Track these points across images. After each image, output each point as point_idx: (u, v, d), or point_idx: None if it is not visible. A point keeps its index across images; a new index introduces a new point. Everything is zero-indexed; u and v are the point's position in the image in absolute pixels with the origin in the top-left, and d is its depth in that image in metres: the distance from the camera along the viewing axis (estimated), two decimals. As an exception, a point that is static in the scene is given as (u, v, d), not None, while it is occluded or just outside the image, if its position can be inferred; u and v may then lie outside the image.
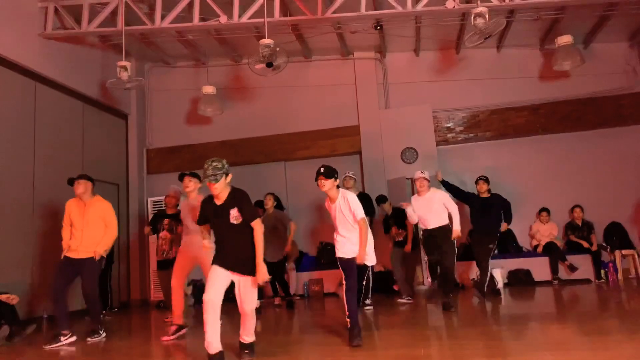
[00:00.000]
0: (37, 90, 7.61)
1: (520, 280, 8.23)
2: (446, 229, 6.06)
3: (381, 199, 7.77)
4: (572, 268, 8.13)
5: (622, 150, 9.06)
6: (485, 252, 6.82)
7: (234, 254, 3.73)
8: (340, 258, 4.28)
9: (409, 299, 7.02)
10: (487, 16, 6.19)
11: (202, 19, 7.44)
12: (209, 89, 8.87)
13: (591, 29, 8.89)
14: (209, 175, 3.64)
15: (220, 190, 3.72)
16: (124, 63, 6.88)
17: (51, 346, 4.85)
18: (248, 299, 3.76)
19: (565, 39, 7.88)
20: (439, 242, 6.08)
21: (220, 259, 3.74)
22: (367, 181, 9.21)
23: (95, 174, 5.82)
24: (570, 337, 4.11)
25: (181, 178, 5.42)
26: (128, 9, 7.38)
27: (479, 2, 6.30)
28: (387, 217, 7.62)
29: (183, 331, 5.14)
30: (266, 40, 6.51)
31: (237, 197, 3.76)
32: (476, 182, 7.10)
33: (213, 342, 3.56)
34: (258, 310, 6.58)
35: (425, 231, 6.28)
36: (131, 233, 9.52)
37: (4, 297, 5.37)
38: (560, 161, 9.20)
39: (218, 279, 3.67)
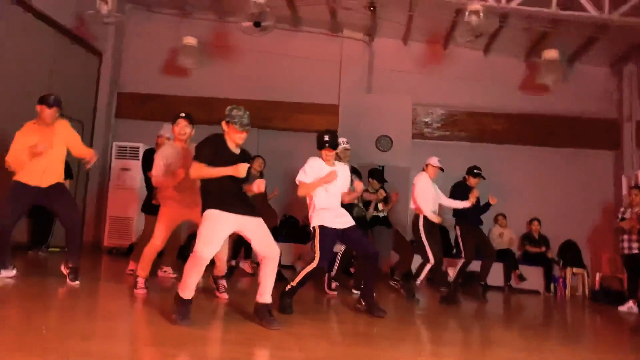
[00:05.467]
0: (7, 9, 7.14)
1: (473, 283, 8.24)
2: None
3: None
4: (522, 278, 8.30)
5: (589, 172, 9.22)
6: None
7: (240, 196, 3.68)
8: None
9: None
10: (481, 15, 6.16)
11: (194, -34, 7.17)
12: (190, 40, 8.58)
13: (577, 49, 8.96)
14: (247, 124, 3.58)
15: None
16: (105, -5, 6.58)
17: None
18: (271, 239, 3.70)
19: (551, 53, 7.96)
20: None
21: (226, 204, 3.57)
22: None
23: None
24: (509, 338, 4.14)
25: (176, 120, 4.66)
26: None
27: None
28: None
29: None
30: (258, -2, 6.33)
31: (246, 152, 3.80)
32: (475, 176, 6.66)
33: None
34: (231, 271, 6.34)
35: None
36: (91, 175, 9.11)
37: None
38: (527, 173, 9.29)
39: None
